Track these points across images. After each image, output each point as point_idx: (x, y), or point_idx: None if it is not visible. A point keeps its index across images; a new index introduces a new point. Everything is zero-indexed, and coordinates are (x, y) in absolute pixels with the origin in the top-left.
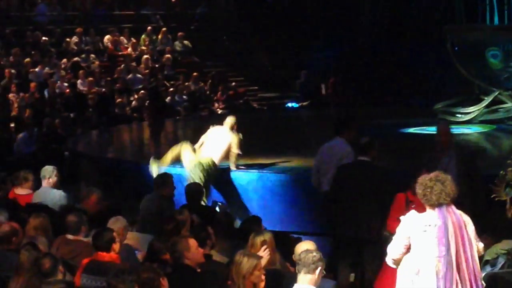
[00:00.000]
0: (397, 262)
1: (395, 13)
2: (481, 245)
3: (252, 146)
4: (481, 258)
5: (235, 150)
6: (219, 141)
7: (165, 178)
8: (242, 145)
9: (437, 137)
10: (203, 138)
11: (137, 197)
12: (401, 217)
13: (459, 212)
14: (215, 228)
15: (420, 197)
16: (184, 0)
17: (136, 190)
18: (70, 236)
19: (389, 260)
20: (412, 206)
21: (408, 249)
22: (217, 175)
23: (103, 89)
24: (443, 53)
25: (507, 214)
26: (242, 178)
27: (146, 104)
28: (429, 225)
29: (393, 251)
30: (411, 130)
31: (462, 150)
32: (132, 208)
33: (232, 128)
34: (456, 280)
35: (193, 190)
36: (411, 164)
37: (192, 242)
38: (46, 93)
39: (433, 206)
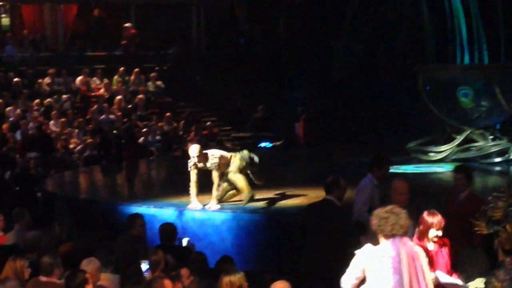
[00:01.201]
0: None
1: (367, 52)
2: (432, 275)
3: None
4: None
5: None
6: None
7: (134, 218)
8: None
9: (394, 195)
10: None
11: (112, 237)
12: (356, 251)
13: (411, 243)
14: (190, 268)
15: (375, 228)
16: (156, 41)
17: (111, 231)
18: (43, 278)
19: (344, 285)
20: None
21: (361, 281)
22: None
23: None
24: (415, 92)
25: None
26: (216, 217)
27: (122, 144)
28: (384, 256)
29: (346, 282)
30: None
31: None
32: (106, 249)
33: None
34: None
35: (167, 230)
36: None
37: (167, 283)
38: (18, 134)
39: (387, 237)
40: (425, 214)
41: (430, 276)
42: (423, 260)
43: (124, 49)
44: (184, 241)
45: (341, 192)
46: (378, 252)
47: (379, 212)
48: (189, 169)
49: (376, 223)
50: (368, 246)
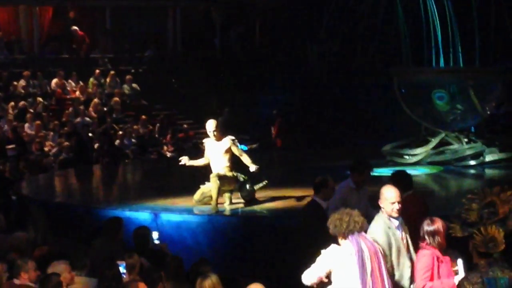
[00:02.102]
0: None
1: (343, 56)
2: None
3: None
4: None
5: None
6: (217, 152)
7: (115, 222)
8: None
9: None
10: (206, 155)
11: (87, 241)
12: (322, 250)
13: (371, 238)
14: (165, 271)
15: (333, 232)
16: (132, 43)
17: (86, 234)
18: (17, 281)
19: (304, 281)
20: (441, 262)
21: (321, 281)
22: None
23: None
24: (390, 95)
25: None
26: (192, 220)
27: (96, 147)
28: (351, 254)
29: (307, 278)
30: None
31: None
32: (81, 252)
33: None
34: None
35: (140, 234)
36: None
37: (142, 286)
38: None
39: (345, 235)
40: (438, 224)
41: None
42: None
43: (75, 53)
44: (155, 235)
45: (329, 192)
46: (343, 251)
47: (333, 217)
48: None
49: (333, 227)
50: (333, 246)
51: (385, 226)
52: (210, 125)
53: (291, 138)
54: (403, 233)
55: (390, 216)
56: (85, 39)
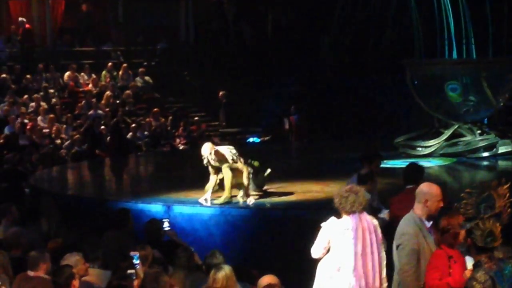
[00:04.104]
0: (319, 259)
1: (356, 48)
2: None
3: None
4: None
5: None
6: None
7: (123, 214)
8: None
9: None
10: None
11: (99, 233)
12: (322, 224)
13: (370, 217)
14: (176, 262)
15: (337, 206)
16: (144, 36)
17: (98, 226)
18: (31, 273)
19: (313, 255)
20: (454, 262)
21: (327, 250)
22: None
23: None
24: (403, 87)
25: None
26: (204, 212)
27: (108, 140)
28: (347, 229)
29: (315, 251)
30: None
31: None
32: (94, 244)
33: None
34: (361, 274)
35: (152, 226)
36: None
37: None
38: (6, 130)
39: (347, 213)
40: (446, 221)
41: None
42: (379, 231)
43: (20, 45)
44: (165, 223)
45: (373, 185)
46: (341, 225)
47: (340, 191)
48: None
49: (338, 201)
50: (332, 219)
51: (417, 228)
52: (206, 149)
53: (304, 130)
54: (434, 236)
55: (430, 213)
56: (31, 31)
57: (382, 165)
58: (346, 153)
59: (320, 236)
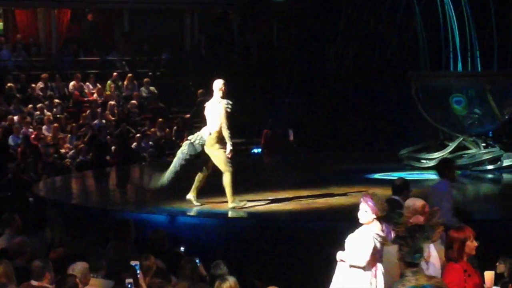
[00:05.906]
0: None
1: (360, 59)
2: None
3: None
4: None
5: (223, 127)
6: (213, 114)
7: (124, 224)
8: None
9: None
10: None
11: (103, 243)
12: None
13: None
14: (180, 273)
15: (375, 212)
16: (150, 46)
17: (102, 236)
18: (34, 283)
19: (360, 263)
20: (469, 276)
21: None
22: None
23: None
24: (408, 99)
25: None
26: (208, 223)
27: (113, 150)
28: (372, 231)
29: (363, 259)
30: (377, 175)
31: None
32: (97, 254)
33: (221, 92)
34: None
35: (156, 237)
36: None
37: None
38: (11, 139)
39: (380, 220)
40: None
41: None
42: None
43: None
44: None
45: (409, 193)
46: (370, 230)
47: (382, 201)
48: None
49: (381, 210)
50: (363, 228)
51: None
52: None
53: (308, 141)
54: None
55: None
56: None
57: (386, 177)
58: (350, 164)
59: (364, 245)
